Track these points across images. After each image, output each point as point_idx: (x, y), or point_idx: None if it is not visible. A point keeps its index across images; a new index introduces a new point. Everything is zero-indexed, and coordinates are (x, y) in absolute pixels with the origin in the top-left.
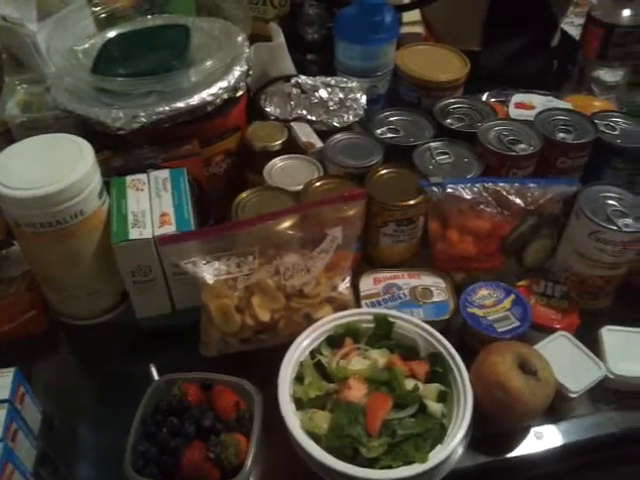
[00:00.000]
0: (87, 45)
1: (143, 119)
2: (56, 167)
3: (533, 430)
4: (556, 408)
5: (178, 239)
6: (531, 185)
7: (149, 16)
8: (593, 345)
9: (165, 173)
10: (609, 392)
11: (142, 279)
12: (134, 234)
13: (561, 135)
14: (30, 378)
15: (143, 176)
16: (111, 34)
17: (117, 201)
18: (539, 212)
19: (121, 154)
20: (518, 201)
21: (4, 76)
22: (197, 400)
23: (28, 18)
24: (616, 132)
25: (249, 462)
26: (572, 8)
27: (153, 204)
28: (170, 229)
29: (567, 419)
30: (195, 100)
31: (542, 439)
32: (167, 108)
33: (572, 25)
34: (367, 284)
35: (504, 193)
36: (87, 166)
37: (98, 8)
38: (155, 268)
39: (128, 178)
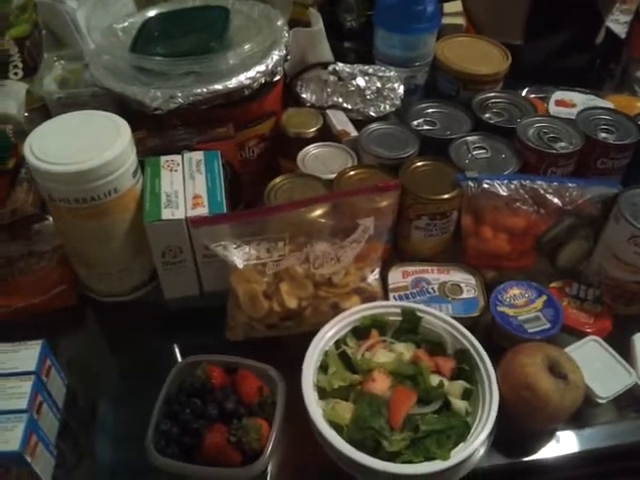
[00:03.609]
0: (126, 23)
1: (180, 100)
2: (93, 144)
3: (557, 434)
4: (581, 413)
5: (210, 221)
6: (570, 185)
7: None
8: (624, 351)
9: (199, 155)
10: (636, 400)
11: (172, 260)
12: (166, 214)
13: (603, 135)
14: (56, 352)
15: (177, 157)
16: (151, 13)
17: (151, 181)
18: (577, 213)
19: (156, 134)
20: (556, 200)
21: (43, 52)
22: (221, 383)
23: None
24: None
25: (270, 448)
26: (618, 5)
27: (186, 185)
28: (202, 211)
29: (592, 425)
30: (233, 83)
31: (565, 444)
32: (204, 90)
33: (617, 23)
34: (396, 277)
35: (541, 191)
36: (124, 144)
37: None
38: (185, 249)
39: (162, 158)
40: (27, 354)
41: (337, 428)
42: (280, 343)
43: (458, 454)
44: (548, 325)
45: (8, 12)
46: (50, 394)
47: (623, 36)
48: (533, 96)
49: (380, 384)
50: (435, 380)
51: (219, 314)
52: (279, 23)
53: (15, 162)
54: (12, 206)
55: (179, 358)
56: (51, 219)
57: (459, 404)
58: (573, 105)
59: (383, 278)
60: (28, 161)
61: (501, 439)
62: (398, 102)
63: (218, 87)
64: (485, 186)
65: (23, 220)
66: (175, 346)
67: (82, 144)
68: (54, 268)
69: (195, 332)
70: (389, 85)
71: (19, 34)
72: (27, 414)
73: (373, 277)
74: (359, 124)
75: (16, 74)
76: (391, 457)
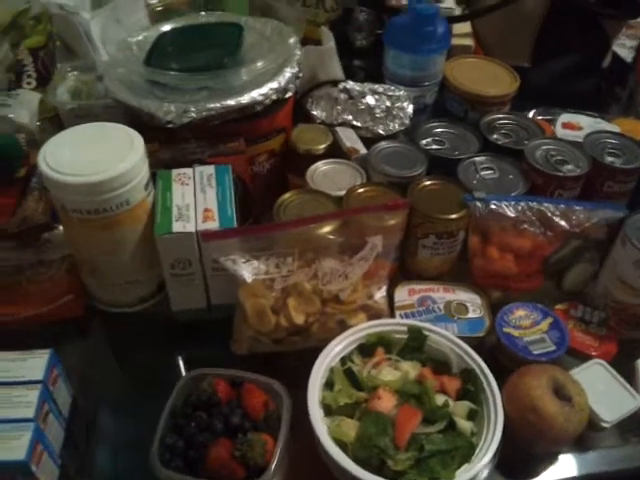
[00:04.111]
0: (141, 37)
1: (193, 114)
2: (106, 156)
3: (561, 458)
4: (585, 437)
5: (220, 235)
6: (577, 207)
7: (203, 12)
8: (629, 375)
9: (210, 169)
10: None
11: (181, 272)
12: (177, 227)
13: (609, 159)
14: (62, 361)
15: (189, 170)
16: (165, 28)
17: (162, 193)
18: (583, 236)
19: (168, 147)
20: (563, 223)
21: (56, 62)
22: (226, 397)
23: (82, 6)
24: None
25: (274, 463)
26: (624, 30)
27: (197, 199)
28: (213, 225)
29: (595, 449)
30: (245, 99)
31: (567, 468)
32: (218, 105)
33: (624, 47)
34: (402, 295)
35: (548, 214)
36: (137, 157)
37: (154, 1)
38: (195, 262)
39: (174, 172)
40: (35, 363)
41: (342, 446)
42: (285, 358)
43: (462, 475)
44: (553, 347)
45: (24, 23)
46: (56, 403)
47: (629, 60)
48: (540, 118)
49: (385, 402)
50: (440, 400)
51: (225, 327)
52: (292, 41)
53: (26, 171)
54: (22, 214)
55: (183, 370)
56: (61, 228)
57: (464, 424)
58: (580, 128)
59: (389, 296)
60: (42, 171)
61: (504, 461)
62: (407, 121)
63: (231, 103)
64: (492, 207)
65: (33, 229)
66: (179, 358)
67: (96, 156)
68: (62, 277)
69: (201, 345)
70: (398, 104)
71: (33, 44)
72: (34, 423)
73: (380, 295)
74: (368, 142)
75: (29, 84)
76: (395, 476)
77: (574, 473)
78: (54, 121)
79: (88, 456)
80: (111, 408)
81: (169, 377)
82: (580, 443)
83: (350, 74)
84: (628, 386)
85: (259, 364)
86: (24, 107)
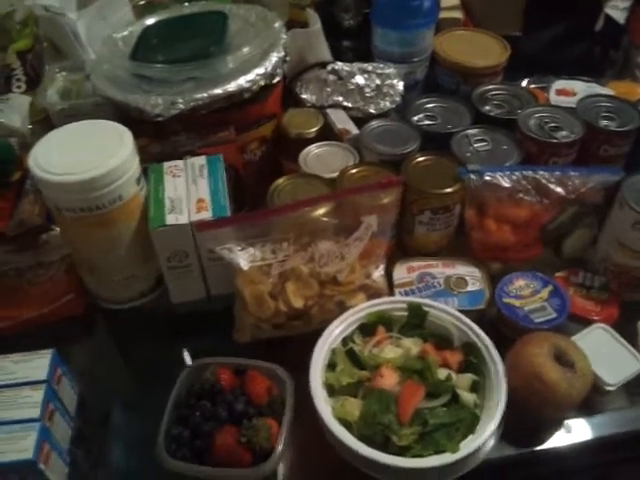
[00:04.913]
0: (126, 32)
1: (181, 105)
2: (96, 153)
3: (566, 423)
4: (591, 401)
5: (214, 225)
6: (572, 173)
7: (186, 3)
8: (632, 338)
9: (202, 160)
10: None
11: (178, 264)
12: (171, 220)
13: (604, 122)
14: (67, 360)
15: (180, 162)
16: (149, 21)
17: (155, 187)
18: (580, 201)
19: (159, 141)
20: (558, 190)
21: (44, 64)
22: (230, 385)
23: (68, 7)
24: None
25: (280, 447)
26: None
27: (190, 190)
28: (206, 215)
29: (602, 412)
30: (232, 86)
31: (575, 432)
32: (205, 94)
33: (617, 9)
34: (401, 273)
35: (544, 181)
36: (127, 152)
37: None
38: (191, 253)
39: (165, 164)
40: (38, 363)
41: (346, 425)
42: (288, 343)
43: (467, 446)
44: (555, 314)
45: (10, 27)
46: (62, 402)
47: (623, 22)
48: (534, 86)
49: (388, 380)
50: (443, 374)
51: (227, 316)
52: (276, 25)
53: (21, 174)
54: (19, 217)
55: (189, 361)
56: (58, 229)
57: (467, 397)
58: (574, 94)
59: (388, 274)
60: (33, 173)
61: (510, 430)
62: (398, 98)
63: (218, 91)
64: (487, 178)
65: (30, 231)
66: (184, 350)
67: (86, 154)
68: (62, 277)
69: (203, 335)
70: (388, 82)
71: (21, 48)
72: (39, 423)
73: (378, 274)
74: (360, 122)
75: (19, 87)
76: (401, 451)
77: (581, 438)
78: (45, 123)
79: (102, 452)
80: (122, 403)
81: (178, 369)
82: (588, 407)
83: (339, 55)
84: (631, 348)
85: (263, 351)
86: (15, 111)
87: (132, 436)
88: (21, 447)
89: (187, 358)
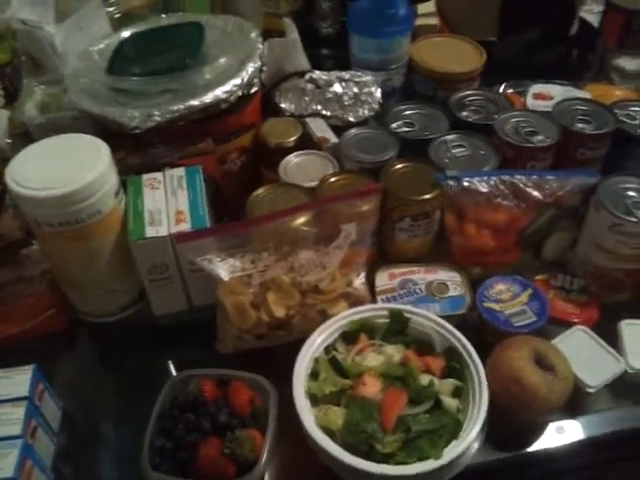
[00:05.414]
0: (102, 45)
1: (158, 118)
2: (73, 167)
3: (551, 425)
4: (575, 403)
5: (193, 236)
6: (549, 177)
7: (163, 15)
8: (612, 339)
9: (180, 171)
10: (629, 387)
11: (159, 277)
12: (150, 232)
13: (580, 125)
14: (51, 375)
15: (159, 175)
16: (126, 34)
17: (134, 200)
18: (557, 204)
19: (137, 153)
20: (535, 193)
21: (22, 78)
22: (213, 396)
23: (46, 20)
24: (636, 121)
25: (264, 457)
26: None
27: (169, 202)
28: (185, 227)
29: (586, 414)
30: (209, 97)
31: (560, 434)
32: (181, 106)
33: (591, 13)
34: (383, 279)
35: (521, 186)
36: (104, 166)
37: (113, 8)
38: (171, 265)
39: (144, 177)
40: (19, 380)
41: (330, 434)
42: (271, 353)
43: (451, 452)
44: (534, 318)
45: None
46: (44, 418)
47: (597, 25)
48: (511, 91)
49: (371, 387)
50: (425, 380)
51: (210, 327)
52: (253, 35)
53: (0, 189)
54: None
55: (174, 373)
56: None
57: (450, 402)
58: (551, 98)
59: (370, 281)
60: (10, 188)
61: (494, 434)
62: (376, 106)
63: (195, 103)
64: (465, 184)
65: (11, 246)
66: (169, 362)
67: (63, 168)
68: (44, 292)
69: (187, 347)
70: (366, 90)
71: None
72: (21, 440)
73: (359, 281)
74: (339, 130)
75: None
76: (384, 459)
77: (570, 439)
78: (25, 137)
79: (91, 468)
80: (109, 418)
81: (163, 381)
82: (571, 409)
83: (318, 63)
84: (611, 350)
85: (247, 361)
86: None
87: (121, 449)
88: (1, 465)
89: (172, 370)
